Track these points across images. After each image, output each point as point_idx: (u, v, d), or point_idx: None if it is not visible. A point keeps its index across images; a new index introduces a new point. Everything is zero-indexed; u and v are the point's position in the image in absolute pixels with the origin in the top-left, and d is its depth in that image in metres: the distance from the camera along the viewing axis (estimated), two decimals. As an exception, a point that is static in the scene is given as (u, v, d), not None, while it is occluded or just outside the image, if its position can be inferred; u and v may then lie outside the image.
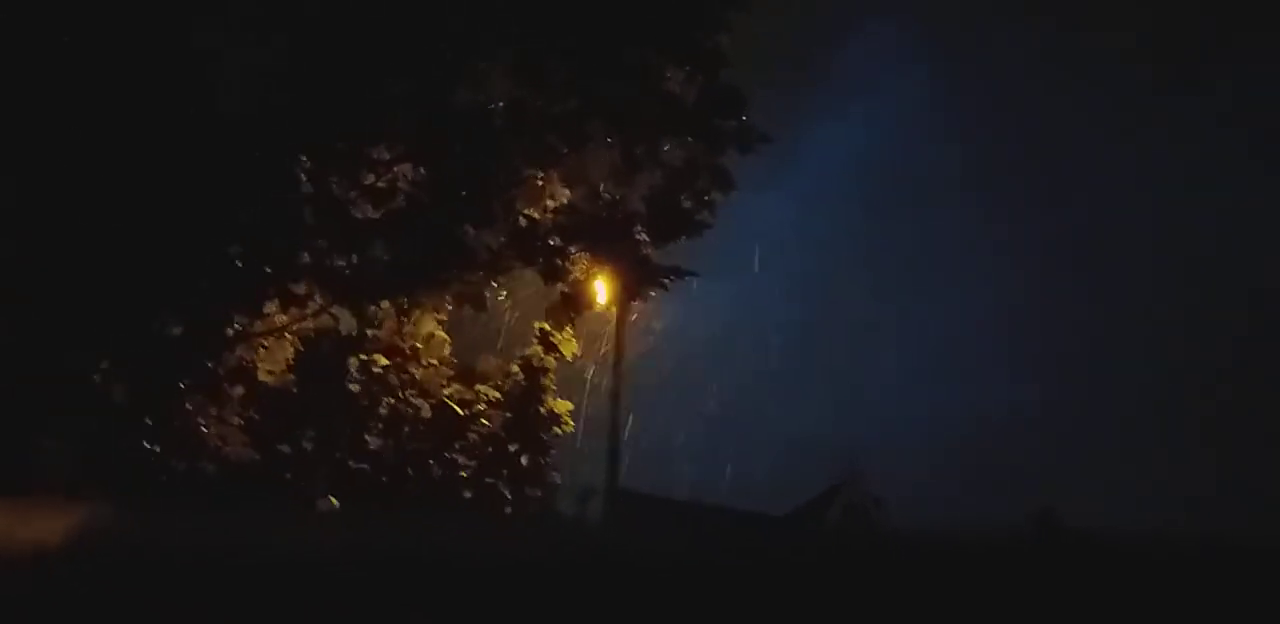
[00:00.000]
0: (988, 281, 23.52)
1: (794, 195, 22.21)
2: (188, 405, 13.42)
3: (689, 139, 15.09)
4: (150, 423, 13.23)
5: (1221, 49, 23.11)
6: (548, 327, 14.88)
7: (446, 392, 14.36)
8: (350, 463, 13.88)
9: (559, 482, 15.02)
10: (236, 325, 13.74)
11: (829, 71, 23.33)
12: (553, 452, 14.89)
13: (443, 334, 14.55)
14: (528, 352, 14.82)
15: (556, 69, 14.38)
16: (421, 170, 14.44)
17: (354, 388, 14.05)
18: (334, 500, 13.81)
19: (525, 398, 14.60)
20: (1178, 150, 23.36)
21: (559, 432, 14.95)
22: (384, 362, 14.45)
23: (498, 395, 14.74)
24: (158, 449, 13.49)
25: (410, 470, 14.16)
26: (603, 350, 16.25)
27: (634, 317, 16.21)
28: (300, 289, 13.95)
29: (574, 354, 14.97)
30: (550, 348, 14.79)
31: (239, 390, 13.95)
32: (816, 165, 22.71)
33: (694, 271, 15.38)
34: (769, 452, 19.66)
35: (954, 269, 23.86)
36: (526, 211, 14.81)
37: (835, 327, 23.26)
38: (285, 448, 13.89)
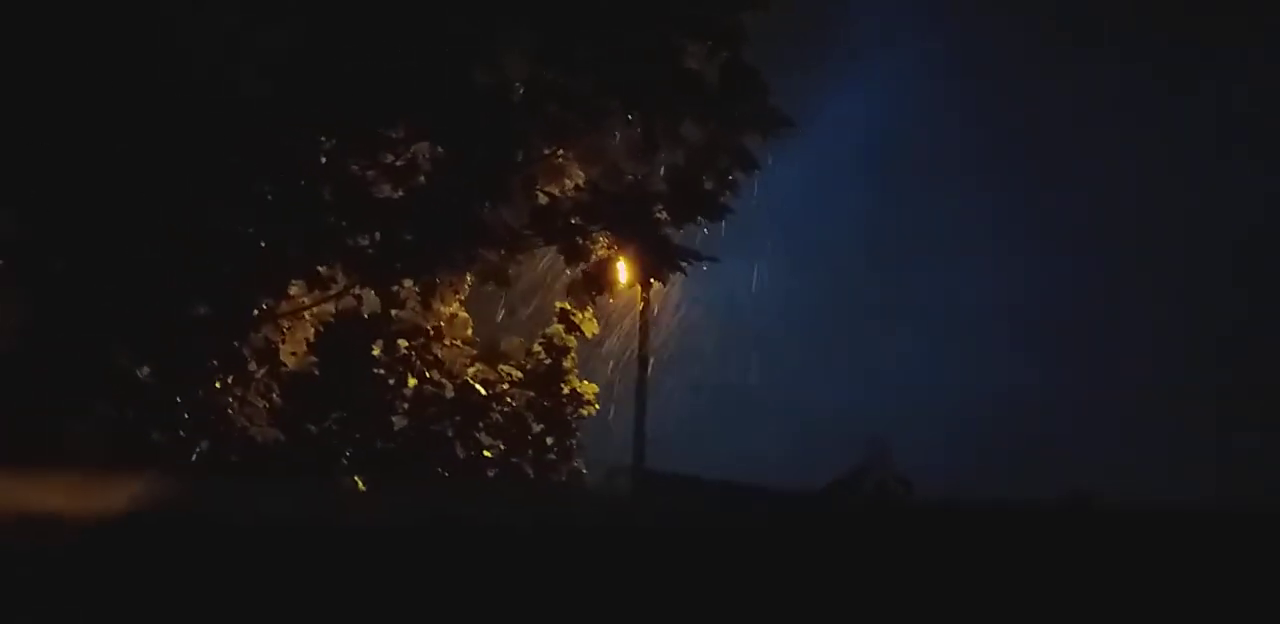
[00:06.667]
0: (1006, 259, 23.53)
1: (801, 172, 22.16)
2: (217, 385, 13.48)
3: (709, 120, 14.96)
4: (179, 402, 13.30)
5: (1233, 28, 23.04)
6: (569, 306, 14.87)
7: (470, 371, 14.39)
8: (376, 443, 13.93)
9: (583, 469, 15.02)
10: (263, 306, 13.78)
11: (835, 46, 23.27)
12: (578, 434, 14.91)
13: (464, 313, 14.57)
14: (548, 331, 14.82)
15: (577, 48, 14.34)
16: (440, 149, 14.43)
17: (378, 369, 14.09)
18: (359, 481, 13.87)
19: (548, 377, 14.63)
20: (1191, 127, 23.33)
21: (585, 413, 14.95)
22: (406, 343, 14.48)
23: (519, 375, 14.76)
24: (185, 431, 13.57)
25: (435, 451, 14.20)
26: (624, 333, 16.24)
27: (656, 298, 16.18)
28: (324, 269, 13.97)
29: (594, 333, 14.97)
30: (571, 327, 14.79)
31: (263, 371, 13.99)
32: (825, 141, 22.66)
33: (714, 257, 15.21)
34: (786, 431, 19.70)
35: (972, 246, 23.84)
36: (546, 190, 14.79)
37: (849, 305, 23.27)
38: (311, 428, 13.94)
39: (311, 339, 14.23)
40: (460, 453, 14.28)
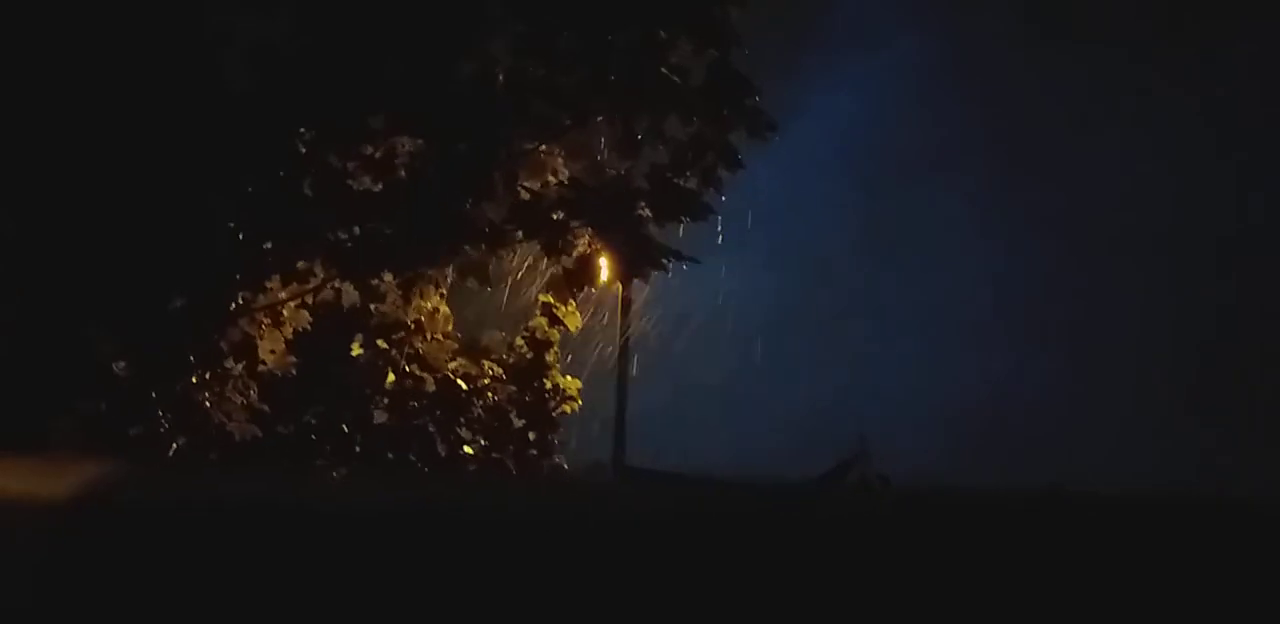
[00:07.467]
0: (992, 257, 23.52)
1: (786, 169, 22.06)
2: (194, 381, 13.39)
3: (694, 118, 14.85)
4: (155, 398, 13.21)
5: (1222, 24, 23.07)
6: (551, 299, 14.78)
7: (451, 366, 14.30)
8: (356, 438, 13.84)
9: (565, 466, 14.94)
10: (240, 299, 13.68)
11: (822, 44, 23.21)
12: (561, 429, 14.83)
13: (446, 308, 14.48)
14: (531, 324, 14.73)
15: (562, 41, 14.27)
16: (420, 142, 14.33)
17: (358, 362, 13.99)
18: (336, 476, 13.77)
19: (530, 372, 14.54)
20: (1177, 125, 23.38)
21: (567, 410, 14.86)
22: (385, 341, 14.37)
23: (501, 371, 14.67)
24: (162, 427, 13.49)
25: (416, 446, 14.11)
26: (607, 328, 16.13)
27: (637, 294, 16.07)
28: (303, 263, 13.87)
29: (577, 327, 14.87)
30: (555, 321, 14.70)
31: (241, 366, 13.88)
32: (810, 138, 22.55)
33: (694, 258, 15.04)
34: (768, 428, 19.67)
35: (957, 244, 23.82)
36: (528, 185, 14.70)
37: (831, 302, 23.22)
38: (290, 425, 13.84)
39: (291, 335, 14.12)
40: (441, 449, 14.18)
